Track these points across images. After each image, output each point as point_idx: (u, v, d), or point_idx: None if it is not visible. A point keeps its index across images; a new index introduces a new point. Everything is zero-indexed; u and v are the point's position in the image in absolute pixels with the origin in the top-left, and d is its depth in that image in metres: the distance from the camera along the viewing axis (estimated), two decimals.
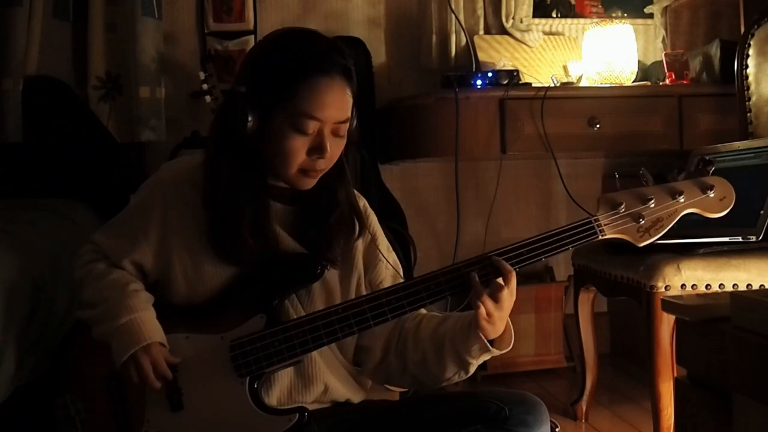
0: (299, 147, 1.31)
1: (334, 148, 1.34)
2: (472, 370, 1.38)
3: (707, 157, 1.41)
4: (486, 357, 1.35)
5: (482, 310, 1.27)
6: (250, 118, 1.30)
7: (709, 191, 1.37)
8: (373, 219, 1.50)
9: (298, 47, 1.31)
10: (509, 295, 1.29)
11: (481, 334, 1.30)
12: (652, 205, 1.36)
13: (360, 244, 1.45)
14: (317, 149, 1.32)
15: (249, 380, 1.32)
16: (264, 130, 1.32)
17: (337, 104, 1.31)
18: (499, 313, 1.29)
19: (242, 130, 1.30)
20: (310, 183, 1.36)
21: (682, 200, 1.37)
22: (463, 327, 1.35)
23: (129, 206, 1.44)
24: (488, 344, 1.31)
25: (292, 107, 1.29)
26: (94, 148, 2.60)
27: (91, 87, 2.74)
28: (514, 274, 1.29)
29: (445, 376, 1.39)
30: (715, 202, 1.37)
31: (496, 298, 1.28)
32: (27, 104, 2.50)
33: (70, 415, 1.36)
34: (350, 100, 1.34)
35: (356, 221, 1.43)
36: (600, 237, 1.35)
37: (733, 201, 1.37)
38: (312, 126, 1.30)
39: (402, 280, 1.45)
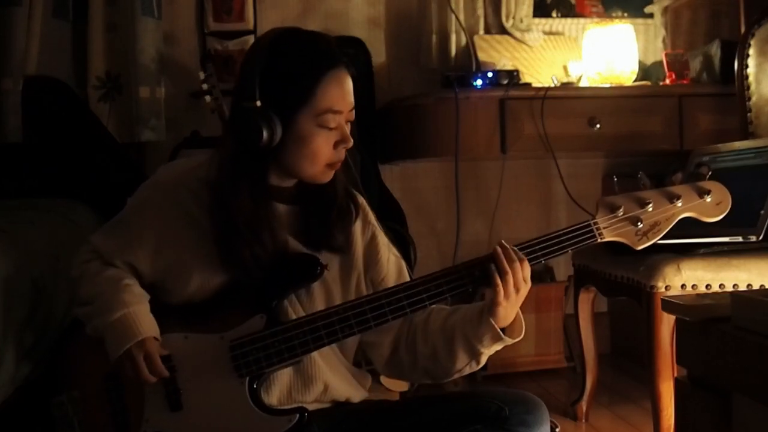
0: (326, 143, 1.33)
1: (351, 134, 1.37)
2: (484, 360, 1.37)
3: (704, 159, 1.42)
4: (498, 347, 1.34)
5: (502, 289, 1.27)
6: (274, 132, 1.30)
7: (706, 196, 1.38)
8: (372, 217, 1.50)
9: (303, 50, 1.32)
10: (526, 283, 1.30)
11: (492, 321, 1.30)
12: (650, 209, 1.37)
13: (360, 243, 1.45)
14: (342, 140, 1.35)
15: (249, 380, 1.32)
16: (286, 137, 1.32)
17: (349, 92, 1.35)
18: (515, 298, 1.30)
19: (268, 144, 1.30)
20: (331, 175, 1.38)
21: (680, 204, 1.38)
22: (473, 316, 1.34)
23: (126, 208, 1.43)
24: (500, 332, 1.31)
25: (314, 107, 1.30)
26: (93, 148, 2.60)
27: (91, 87, 2.74)
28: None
29: (456, 368, 1.38)
30: (711, 206, 1.39)
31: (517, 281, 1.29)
32: (27, 104, 2.49)
33: (67, 414, 1.36)
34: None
35: (352, 206, 1.44)
36: (599, 240, 1.36)
37: (729, 206, 1.38)
38: (335, 120, 1.32)
39: (407, 276, 1.47)
